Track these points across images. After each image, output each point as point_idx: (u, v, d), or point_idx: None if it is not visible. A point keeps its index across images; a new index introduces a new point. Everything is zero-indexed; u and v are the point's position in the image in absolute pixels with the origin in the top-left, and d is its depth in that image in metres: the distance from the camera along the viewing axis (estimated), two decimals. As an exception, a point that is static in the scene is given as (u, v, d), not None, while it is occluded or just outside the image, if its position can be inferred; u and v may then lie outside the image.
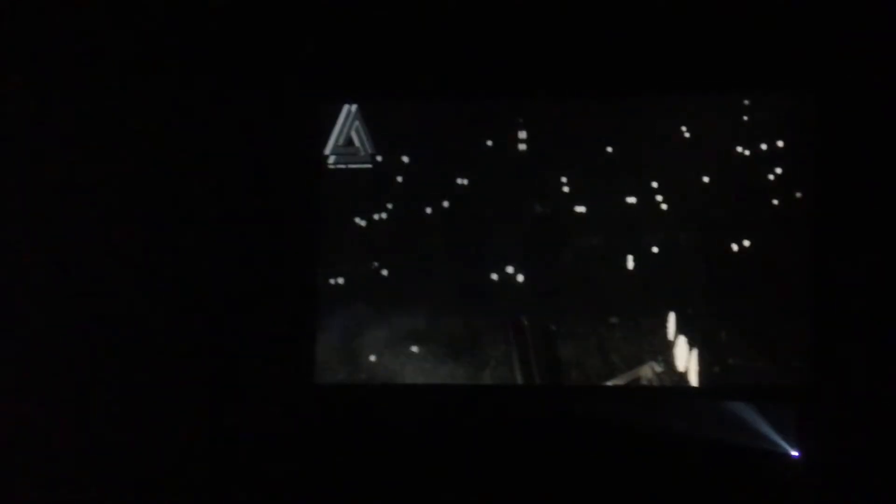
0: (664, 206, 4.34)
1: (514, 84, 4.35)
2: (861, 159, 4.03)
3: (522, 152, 4.44)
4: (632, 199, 4.36)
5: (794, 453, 4.04)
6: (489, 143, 4.45)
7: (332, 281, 4.44)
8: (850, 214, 4.02)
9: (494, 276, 4.39)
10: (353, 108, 4.45)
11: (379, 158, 4.47)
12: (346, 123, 4.46)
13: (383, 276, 4.45)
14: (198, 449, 4.22)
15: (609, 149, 4.41)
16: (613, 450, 4.11)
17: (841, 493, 3.90)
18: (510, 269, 4.38)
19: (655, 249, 4.31)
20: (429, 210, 4.44)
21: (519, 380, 4.31)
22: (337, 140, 4.47)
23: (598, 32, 4.23)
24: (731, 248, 4.27)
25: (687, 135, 4.32)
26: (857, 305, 3.98)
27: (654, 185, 4.34)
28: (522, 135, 4.44)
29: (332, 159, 4.48)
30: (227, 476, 4.20)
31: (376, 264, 4.46)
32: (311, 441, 4.24)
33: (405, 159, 4.48)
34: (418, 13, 4.27)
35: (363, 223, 4.46)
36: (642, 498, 4.05)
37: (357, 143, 4.46)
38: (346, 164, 4.46)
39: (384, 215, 4.46)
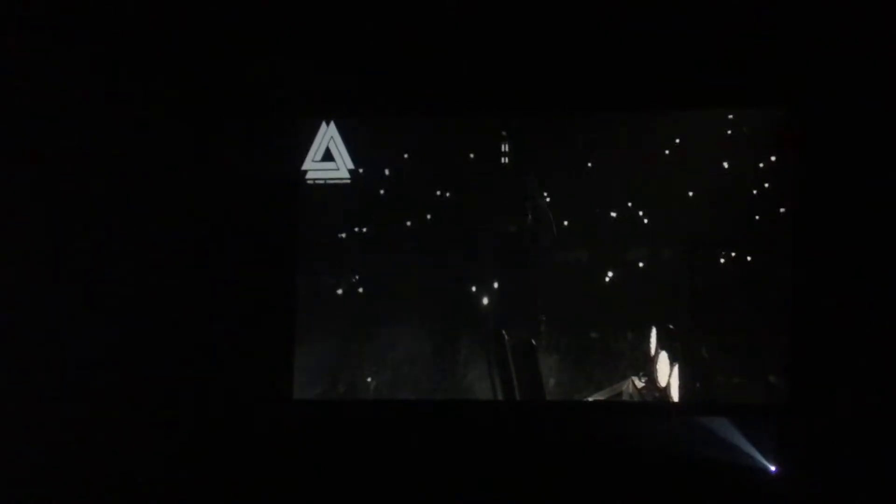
0: (646, 221, 4.33)
1: (498, 99, 4.32)
2: (841, 176, 4.03)
3: (505, 165, 4.42)
4: (614, 214, 4.35)
5: (772, 468, 4.03)
6: (472, 155, 4.42)
7: (312, 295, 4.41)
8: (830, 231, 4.02)
9: (475, 289, 4.37)
10: (332, 123, 4.43)
11: (360, 171, 4.44)
12: (325, 138, 4.44)
13: (364, 290, 4.41)
14: (176, 464, 4.17)
15: (591, 163, 4.39)
16: (592, 465, 4.09)
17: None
18: (491, 282, 4.36)
19: (639, 264, 4.30)
20: (410, 223, 4.41)
21: (498, 393, 4.28)
22: (315, 155, 4.44)
23: (581, 49, 4.22)
24: (713, 264, 4.25)
25: (670, 150, 4.31)
26: (836, 321, 3.98)
27: (637, 199, 4.33)
28: (505, 148, 4.42)
29: (310, 174, 4.44)
30: (206, 491, 4.15)
31: (357, 278, 4.42)
32: (289, 456, 4.19)
33: (387, 171, 4.45)
34: (403, 27, 4.24)
35: (343, 235, 4.43)
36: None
37: (336, 157, 4.43)
38: (325, 179, 4.43)
39: (365, 228, 4.43)
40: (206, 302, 4.24)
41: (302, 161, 4.42)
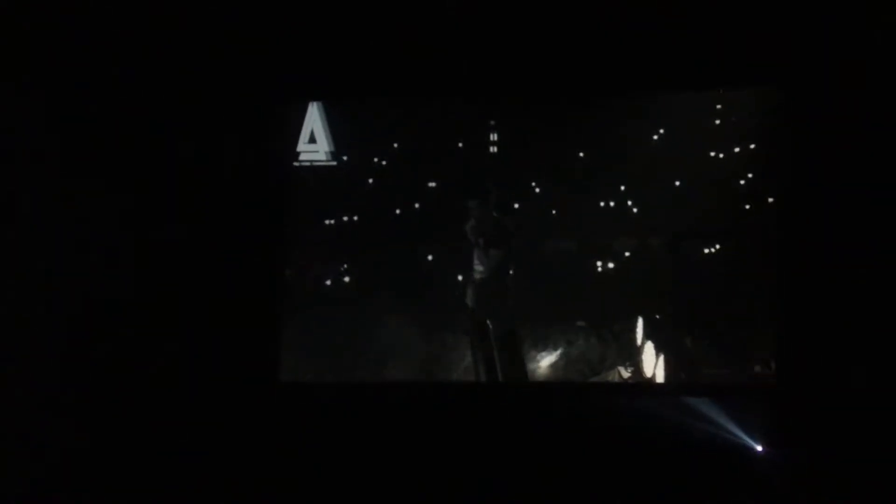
0: (635, 211, 4.32)
1: (486, 86, 4.32)
2: (827, 164, 3.99)
3: (493, 154, 4.42)
4: (603, 203, 4.34)
5: (758, 448, 4.04)
6: (460, 144, 4.43)
7: (300, 281, 4.44)
8: (815, 219, 3.99)
9: (460, 278, 4.38)
10: (316, 106, 4.44)
11: (345, 158, 4.45)
12: (311, 120, 4.45)
13: (351, 277, 4.43)
14: (164, 447, 4.17)
15: (581, 153, 4.39)
16: (580, 447, 4.07)
17: (803, 485, 3.90)
18: (477, 272, 4.37)
19: (626, 254, 4.30)
20: (398, 211, 4.42)
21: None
22: (304, 137, 4.45)
23: (569, 35, 4.19)
24: (700, 254, 4.24)
25: (659, 140, 4.30)
26: (820, 307, 3.97)
27: (626, 189, 4.32)
28: (493, 137, 4.42)
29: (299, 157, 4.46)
30: (193, 474, 4.14)
31: (345, 266, 4.44)
32: (275, 439, 4.20)
33: (377, 160, 4.46)
34: (393, 14, 4.23)
35: (332, 222, 4.44)
36: (611, 494, 4.01)
37: (318, 139, 4.44)
38: (310, 161, 4.45)
39: (350, 213, 4.44)
40: (194, 285, 4.25)
41: (295, 143, 4.44)
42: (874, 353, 3.90)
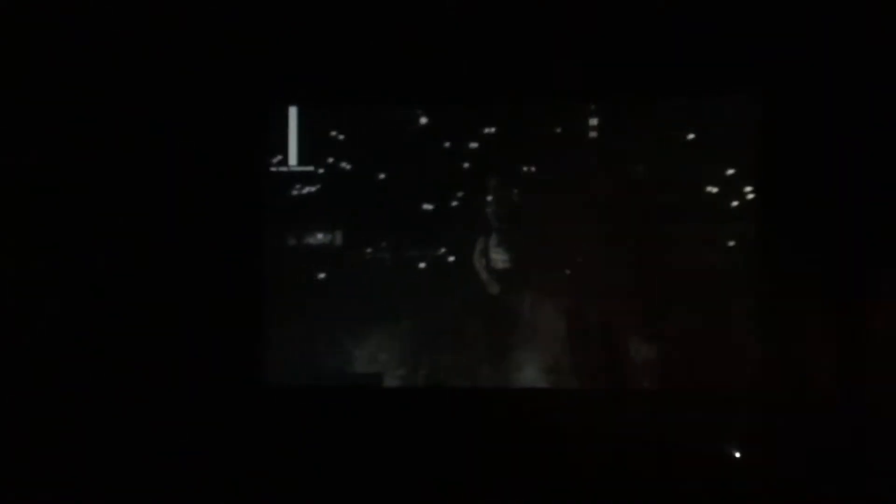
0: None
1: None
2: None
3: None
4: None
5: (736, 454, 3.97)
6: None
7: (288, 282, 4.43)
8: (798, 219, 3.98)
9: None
10: (294, 110, 4.41)
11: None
12: (290, 125, 4.42)
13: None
14: (148, 450, 4.19)
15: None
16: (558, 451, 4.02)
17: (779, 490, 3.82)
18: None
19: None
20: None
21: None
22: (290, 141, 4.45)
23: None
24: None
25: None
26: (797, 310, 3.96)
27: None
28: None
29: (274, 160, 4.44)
30: (178, 478, 4.14)
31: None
32: (261, 442, 4.19)
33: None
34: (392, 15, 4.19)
35: (319, 221, 4.40)
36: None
37: (290, 144, 4.41)
38: (289, 166, 4.42)
39: (344, 215, 4.40)
40: (178, 286, 4.26)
41: (278, 144, 4.43)
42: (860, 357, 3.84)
